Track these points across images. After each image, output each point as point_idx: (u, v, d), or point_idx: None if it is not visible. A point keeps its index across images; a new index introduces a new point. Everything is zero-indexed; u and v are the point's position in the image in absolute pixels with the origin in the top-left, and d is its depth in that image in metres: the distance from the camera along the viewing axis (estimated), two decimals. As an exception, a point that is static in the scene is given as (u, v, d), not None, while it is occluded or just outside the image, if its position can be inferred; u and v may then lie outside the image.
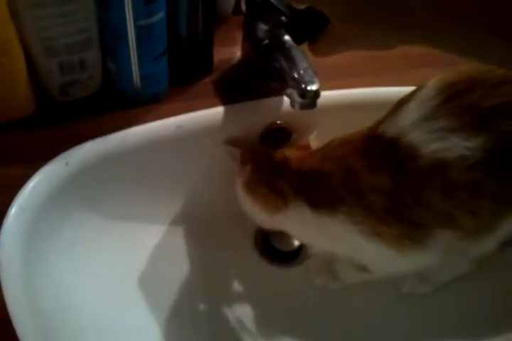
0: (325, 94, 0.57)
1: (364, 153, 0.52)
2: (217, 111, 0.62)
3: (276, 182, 0.58)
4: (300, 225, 0.58)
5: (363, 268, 0.59)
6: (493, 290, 0.65)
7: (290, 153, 0.60)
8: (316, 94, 0.56)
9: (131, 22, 0.54)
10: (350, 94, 0.68)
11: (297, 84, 0.56)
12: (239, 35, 0.65)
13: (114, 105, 0.62)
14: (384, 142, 0.51)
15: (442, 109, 0.49)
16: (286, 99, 0.61)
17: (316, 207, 0.55)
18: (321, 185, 0.54)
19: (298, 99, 0.56)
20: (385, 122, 0.52)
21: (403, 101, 0.52)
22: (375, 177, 0.51)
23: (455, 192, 0.49)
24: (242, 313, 0.64)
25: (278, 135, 0.67)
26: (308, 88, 0.55)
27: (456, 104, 0.49)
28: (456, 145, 0.47)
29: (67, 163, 0.56)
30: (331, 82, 0.66)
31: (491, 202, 0.50)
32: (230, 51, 0.69)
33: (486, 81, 0.49)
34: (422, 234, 0.52)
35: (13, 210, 0.52)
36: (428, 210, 0.50)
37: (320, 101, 0.57)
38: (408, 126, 0.50)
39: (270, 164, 0.60)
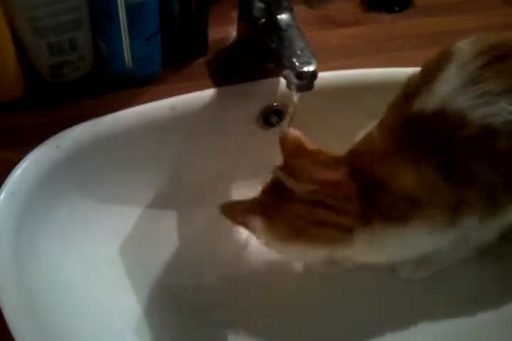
0: (323, 76, 0.56)
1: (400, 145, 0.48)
2: (212, 93, 0.61)
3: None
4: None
5: None
6: (490, 274, 0.64)
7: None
8: (313, 75, 0.54)
9: (122, 0, 0.52)
10: (350, 75, 0.66)
11: (294, 65, 0.54)
12: (234, 14, 0.63)
13: (106, 87, 0.61)
14: (426, 119, 0.47)
15: (486, 72, 0.46)
16: (282, 81, 0.59)
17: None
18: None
19: (294, 81, 0.55)
20: (420, 98, 0.49)
21: (435, 70, 0.49)
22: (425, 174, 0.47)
23: (500, 160, 0.47)
24: (233, 300, 0.63)
25: (274, 117, 0.66)
26: (305, 69, 0.54)
27: (501, 66, 0.46)
28: (503, 110, 0.45)
29: (57, 146, 0.55)
30: (329, 62, 0.65)
31: None
32: (225, 31, 0.68)
33: None
34: (460, 212, 0.49)
35: (2, 195, 0.51)
36: (474, 184, 0.48)
37: (317, 82, 0.55)
38: (450, 93, 0.47)
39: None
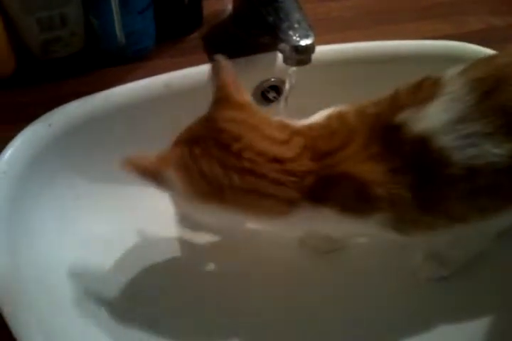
0: (321, 49, 0.54)
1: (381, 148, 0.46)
2: (208, 69, 0.60)
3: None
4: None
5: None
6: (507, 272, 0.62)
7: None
8: (310, 49, 0.53)
9: (112, -28, 0.51)
10: (348, 48, 0.65)
11: (290, 38, 0.53)
12: (230, -14, 0.62)
13: (99, 63, 0.60)
14: (409, 138, 0.45)
15: (477, 111, 0.45)
16: (279, 55, 0.58)
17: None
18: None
19: (291, 55, 0.53)
20: (406, 114, 0.46)
21: (425, 97, 0.47)
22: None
23: (477, 196, 0.47)
24: (231, 281, 0.62)
25: (272, 93, 0.65)
26: (302, 43, 0.52)
27: (489, 104, 0.45)
28: (487, 152, 0.44)
29: (50, 125, 0.55)
30: (327, 35, 0.64)
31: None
32: (221, 3, 0.66)
33: (509, 79, 0.45)
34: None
35: (-7, 175, 0.51)
36: (440, 214, 0.48)
37: (315, 56, 0.54)
38: (440, 127, 0.45)
39: None
